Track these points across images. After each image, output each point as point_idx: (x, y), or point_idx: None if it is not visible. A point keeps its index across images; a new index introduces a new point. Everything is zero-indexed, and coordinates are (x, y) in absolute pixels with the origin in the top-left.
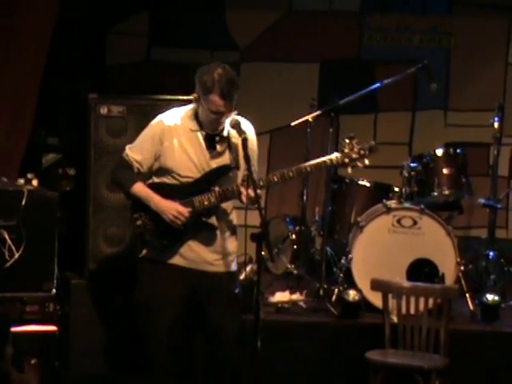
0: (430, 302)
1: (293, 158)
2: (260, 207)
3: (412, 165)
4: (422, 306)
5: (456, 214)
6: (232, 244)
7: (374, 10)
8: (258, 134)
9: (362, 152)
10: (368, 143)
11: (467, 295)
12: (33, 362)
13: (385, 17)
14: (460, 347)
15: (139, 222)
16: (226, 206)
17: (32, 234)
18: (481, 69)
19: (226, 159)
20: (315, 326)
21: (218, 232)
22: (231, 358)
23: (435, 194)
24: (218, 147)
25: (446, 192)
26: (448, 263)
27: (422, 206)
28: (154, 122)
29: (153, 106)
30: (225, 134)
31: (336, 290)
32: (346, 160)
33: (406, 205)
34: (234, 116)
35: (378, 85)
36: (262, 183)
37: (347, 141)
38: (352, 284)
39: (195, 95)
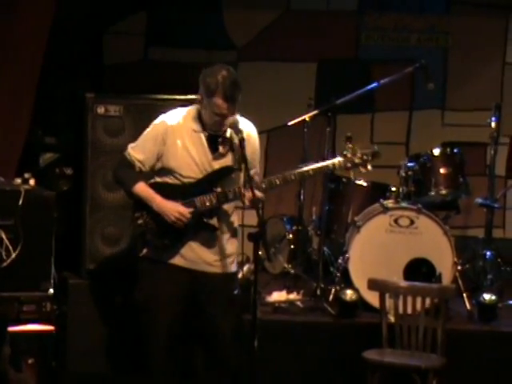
0: (427, 301)
1: (290, 158)
2: (258, 207)
3: (409, 164)
4: (419, 306)
5: (453, 214)
6: (232, 245)
7: (371, 9)
8: None
9: (365, 157)
10: (371, 149)
11: (464, 295)
12: (30, 361)
13: (382, 16)
14: (457, 347)
15: (140, 221)
16: (228, 207)
17: (29, 233)
18: (478, 68)
19: (228, 160)
20: (312, 326)
21: (219, 233)
22: (229, 358)
23: (432, 193)
24: (221, 148)
25: (443, 192)
26: (445, 263)
27: (419, 206)
28: (156, 121)
29: (150, 105)
30: (227, 135)
31: (333, 289)
32: (349, 165)
33: (403, 204)
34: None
35: (375, 84)
36: (264, 186)
37: (350, 145)
38: (349, 283)
39: (199, 96)
